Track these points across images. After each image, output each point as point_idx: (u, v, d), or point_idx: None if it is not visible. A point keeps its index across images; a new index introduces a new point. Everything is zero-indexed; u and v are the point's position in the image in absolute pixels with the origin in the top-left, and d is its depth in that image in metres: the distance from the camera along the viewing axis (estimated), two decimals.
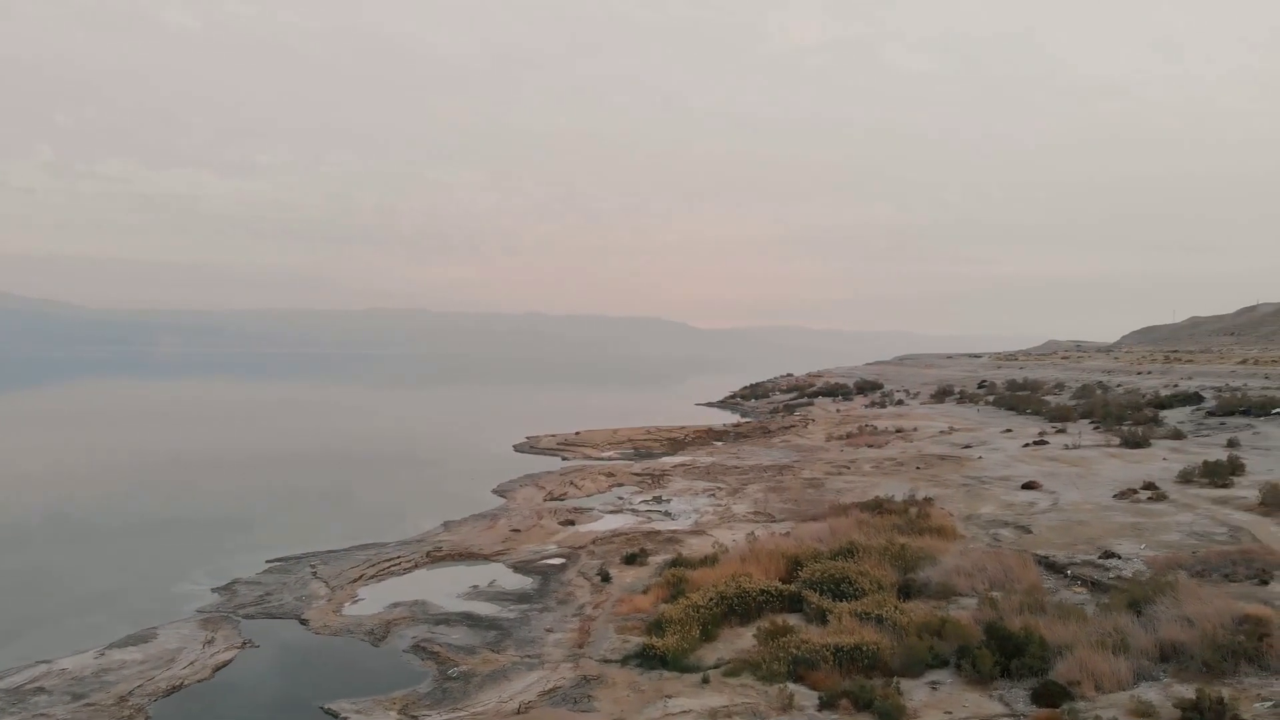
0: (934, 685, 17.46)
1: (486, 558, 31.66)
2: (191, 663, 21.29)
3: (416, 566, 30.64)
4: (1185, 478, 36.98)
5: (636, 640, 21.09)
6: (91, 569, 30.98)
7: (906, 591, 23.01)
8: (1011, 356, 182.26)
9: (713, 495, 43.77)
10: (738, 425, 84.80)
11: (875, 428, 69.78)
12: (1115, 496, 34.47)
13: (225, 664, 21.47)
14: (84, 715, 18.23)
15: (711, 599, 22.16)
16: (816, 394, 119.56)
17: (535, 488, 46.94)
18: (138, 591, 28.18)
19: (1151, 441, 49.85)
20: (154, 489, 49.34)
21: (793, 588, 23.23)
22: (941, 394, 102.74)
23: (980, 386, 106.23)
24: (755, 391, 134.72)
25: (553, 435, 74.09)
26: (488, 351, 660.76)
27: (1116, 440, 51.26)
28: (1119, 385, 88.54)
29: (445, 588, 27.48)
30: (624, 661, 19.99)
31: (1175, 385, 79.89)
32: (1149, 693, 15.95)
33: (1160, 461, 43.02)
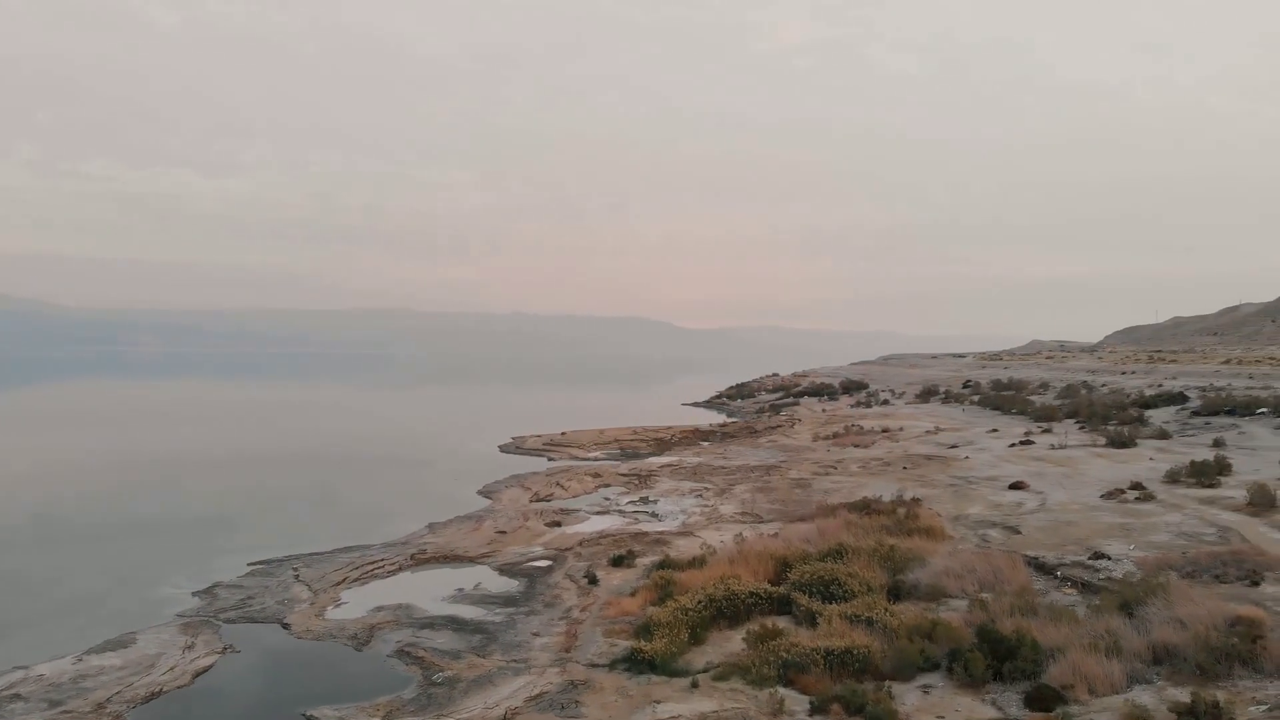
0: (926, 689, 17.28)
1: (472, 560, 31.28)
2: (171, 668, 20.88)
3: (401, 569, 30.24)
4: (1172, 478, 37.01)
5: (624, 644, 20.80)
6: (70, 572, 30.47)
7: (896, 593, 22.85)
8: (996, 356, 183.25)
9: (700, 496, 43.51)
10: (724, 425, 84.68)
11: (861, 428, 69.75)
12: (1103, 496, 34.44)
13: (205, 669, 21.06)
14: None
15: (700, 601, 21.88)
16: (802, 394, 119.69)
17: (521, 489, 46.56)
18: (117, 595, 27.72)
19: (1137, 441, 49.97)
20: (134, 490, 48.79)
21: (782, 590, 22.98)
22: (927, 394, 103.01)
23: (965, 386, 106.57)
24: (741, 391, 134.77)
25: (539, 436, 73.68)
26: (474, 351, 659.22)
27: (1102, 440, 51.34)
28: (1103, 385, 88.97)
29: (430, 591, 27.10)
30: (611, 666, 19.71)
31: (1160, 385, 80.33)
32: (1143, 696, 15.83)
33: (1147, 461, 43.06)
